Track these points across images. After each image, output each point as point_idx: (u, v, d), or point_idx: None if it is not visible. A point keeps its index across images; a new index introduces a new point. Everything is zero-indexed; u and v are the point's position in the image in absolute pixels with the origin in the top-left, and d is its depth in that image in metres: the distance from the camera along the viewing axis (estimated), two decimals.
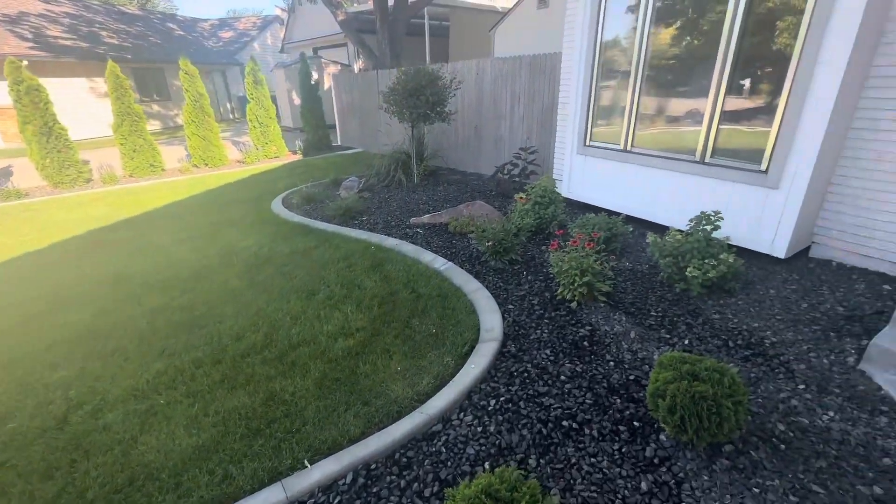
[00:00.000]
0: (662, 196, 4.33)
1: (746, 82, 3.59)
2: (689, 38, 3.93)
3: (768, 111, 3.44)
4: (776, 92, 3.36)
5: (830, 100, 3.06)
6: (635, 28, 4.19)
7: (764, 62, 3.46)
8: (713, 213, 3.33)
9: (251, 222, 5.75)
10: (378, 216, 5.55)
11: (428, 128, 7.42)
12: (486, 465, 1.95)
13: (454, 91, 6.54)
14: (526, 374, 2.51)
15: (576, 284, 3.07)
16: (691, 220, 3.41)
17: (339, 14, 11.39)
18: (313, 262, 4.21)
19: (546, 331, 2.91)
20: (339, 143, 12.39)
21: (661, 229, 4.17)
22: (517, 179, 5.97)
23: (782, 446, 1.95)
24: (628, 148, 4.59)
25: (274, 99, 14.02)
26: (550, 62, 6.08)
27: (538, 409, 2.26)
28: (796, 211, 3.39)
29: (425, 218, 5.12)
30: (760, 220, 3.64)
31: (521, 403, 2.30)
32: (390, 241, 4.62)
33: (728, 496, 1.75)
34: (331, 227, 5.25)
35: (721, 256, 3.12)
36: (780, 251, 3.56)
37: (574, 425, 2.14)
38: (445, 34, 15.30)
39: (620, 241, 3.99)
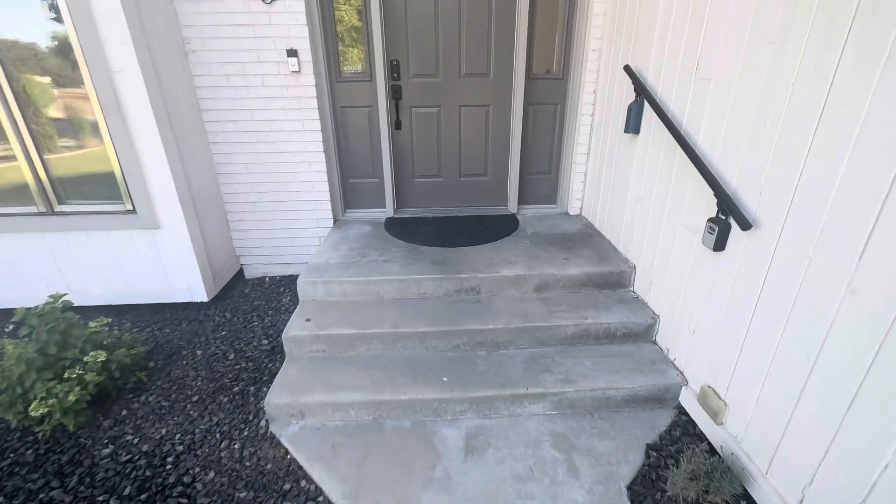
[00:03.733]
0: (24, 270, 2.83)
1: (61, 117, 2.54)
2: None
3: (99, 143, 2.56)
4: (94, 121, 2.49)
5: (150, 118, 2.48)
6: None
7: (65, 85, 2.48)
8: (53, 297, 2.20)
9: None
10: None
11: None
12: None
13: None
14: None
15: None
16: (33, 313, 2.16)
17: None
18: None
19: None
20: None
21: None
22: None
23: None
24: None
25: None
26: None
27: None
28: (191, 246, 2.82)
29: None
30: (164, 267, 2.89)
31: None
32: None
33: None
34: None
35: (91, 355, 2.08)
36: (201, 294, 2.98)
37: None
38: None
39: None
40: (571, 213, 3.41)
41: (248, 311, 3.04)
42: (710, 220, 1.76)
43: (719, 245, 1.73)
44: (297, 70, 2.86)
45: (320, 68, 2.97)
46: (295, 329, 2.25)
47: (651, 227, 2.32)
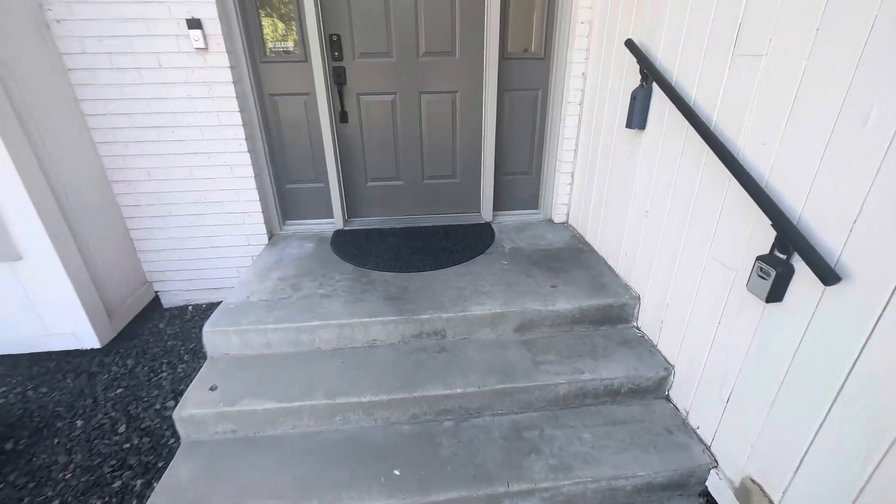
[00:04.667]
0: None
1: None
2: None
3: None
4: None
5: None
6: None
7: None
8: None
9: None
10: None
11: None
12: None
13: None
14: None
15: None
16: None
17: None
18: None
19: None
20: None
21: None
22: None
23: None
24: None
25: None
26: None
27: None
28: (67, 280, 2.15)
29: None
30: (35, 308, 2.21)
31: None
32: None
33: None
34: None
35: None
36: (91, 339, 2.32)
37: None
38: None
39: None
40: (556, 221, 2.88)
41: (159, 356, 2.41)
42: (763, 259, 1.24)
43: (775, 295, 1.22)
44: (202, 46, 2.19)
45: (236, 45, 2.30)
46: (193, 405, 1.65)
47: (664, 252, 1.80)
